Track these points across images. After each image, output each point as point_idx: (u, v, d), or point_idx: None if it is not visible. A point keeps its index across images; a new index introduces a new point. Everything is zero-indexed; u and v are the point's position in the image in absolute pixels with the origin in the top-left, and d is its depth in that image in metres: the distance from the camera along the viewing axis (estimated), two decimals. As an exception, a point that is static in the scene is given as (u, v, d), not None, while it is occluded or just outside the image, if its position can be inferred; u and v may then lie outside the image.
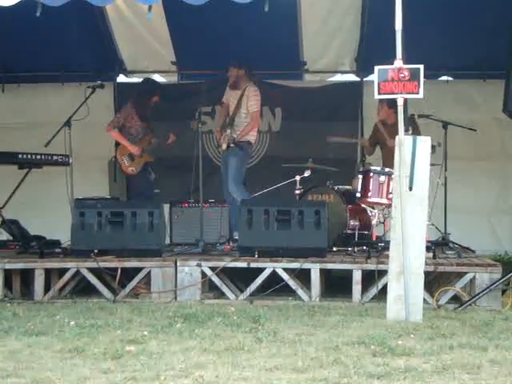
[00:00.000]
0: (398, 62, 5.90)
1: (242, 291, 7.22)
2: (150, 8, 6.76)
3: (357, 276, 6.89)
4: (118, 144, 8.88)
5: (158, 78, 10.37)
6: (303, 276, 7.14)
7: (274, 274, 7.05)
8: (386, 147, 8.50)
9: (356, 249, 7.65)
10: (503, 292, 6.81)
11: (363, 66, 9.75)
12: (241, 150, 8.41)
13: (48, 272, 7.25)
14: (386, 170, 7.80)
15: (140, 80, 9.74)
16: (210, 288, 7.30)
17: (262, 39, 9.14)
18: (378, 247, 7.45)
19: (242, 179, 8.49)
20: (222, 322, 5.73)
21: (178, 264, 7.13)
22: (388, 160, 7.75)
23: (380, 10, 6.93)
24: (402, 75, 5.91)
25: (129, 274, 7.29)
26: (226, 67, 8.57)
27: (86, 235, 7.34)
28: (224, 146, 8.46)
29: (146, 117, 8.76)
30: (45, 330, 5.44)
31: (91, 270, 7.18)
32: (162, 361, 4.50)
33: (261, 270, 7.07)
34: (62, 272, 7.28)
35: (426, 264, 6.24)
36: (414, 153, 5.97)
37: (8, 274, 7.28)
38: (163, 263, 7.17)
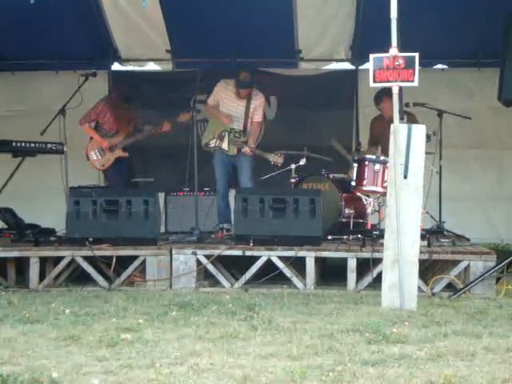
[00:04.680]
0: (393, 50, 5.89)
1: (237, 279, 7.23)
2: (144, -4, 6.75)
3: (352, 264, 6.90)
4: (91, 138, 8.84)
5: (152, 66, 10.37)
6: (298, 264, 7.15)
7: (269, 262, 7.06)
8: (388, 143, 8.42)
9: (351, 237, 7.66)
10: (497, 280, 6.83)
11: (358, 55, 9.74)
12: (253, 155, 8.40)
13: (43, 260, 7.25)
14: (381, 158, 7.80)
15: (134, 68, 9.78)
16: (205, 276, 7.30)
17: (257, 27, 9.12)
18: (372, 235, 7.46)
19: None
20: (217, 310, 5.74)
21: (173, 252, 7.13)
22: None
23: (375, -3, 6.91)
24: (397, 63, 5.90)
25: (124, 262, 7.29)
26: (239, 72, 8.23)
27: (81, 224, 7.33)
28: (234, 150, 8.33)
29: (120, 112, 8.72)
30: (40, 317, 5.43)
31: (86, 258, 7.18)
32: (157, 348, 4.51)
33: (256, 259, 7.07)
34: (57, 260, 7.29)
35: (421, 252, 6.25)
36: (409, 141, 5.97)
37: (3, 262, 7.29)
38: (158, 251, 7.17)
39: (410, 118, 7.88)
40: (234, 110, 8.37)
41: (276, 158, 8.12)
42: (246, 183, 8.32)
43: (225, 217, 8.44)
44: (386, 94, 8.00)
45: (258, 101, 8.41)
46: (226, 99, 8.36)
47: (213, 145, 8.36)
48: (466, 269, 6.84)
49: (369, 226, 7.80)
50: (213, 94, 8.41)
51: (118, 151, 8.69)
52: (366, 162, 7.81)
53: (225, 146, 8.34)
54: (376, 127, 8.67)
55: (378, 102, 8.55)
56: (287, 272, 7.01)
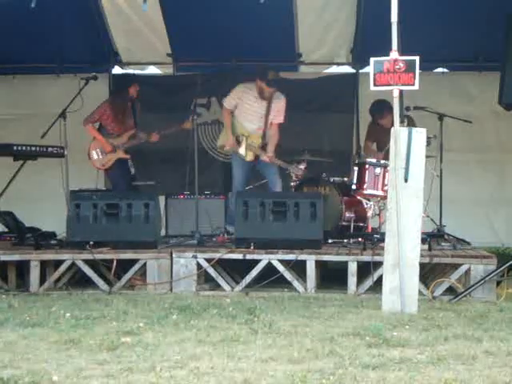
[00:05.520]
0: (394, 54, 5.90)
1: (237, 283, 7.23)
2: (145, -1, 6.78)
3: (352, 268, 6.90)
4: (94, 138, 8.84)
5: (153, 69, 10.38)
6: (299, 268, 7.15)
7: (269, 265, 7.05)
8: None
9: (351, 240, 7.67)
10: (498, 283, 6.82)
11: (359, 58, 9.75)
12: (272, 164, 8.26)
13: (43, 264, 7.24)
14: (382, 161, 7.81)
15: (135, 72, 9.78)
16: (205, 280, 7.30)
17: (257, 31, 9.13)
18: (373, 239, 7.45)
19: None
20: (218, 313, 5.74)
21: (173, 256, 7.13)
22: None
23: (376, 1, 6.92)
24: (398, 67, 5.91)
25: (124, 265, 7.29)
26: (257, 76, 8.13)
27: (82, 227, 7.32)
28: (251, 156, 8.23)
29: (124, 113, 8.70)
30: (40, 321, 5.43)
31: (87, 261, 7.17)
32: (157, 352, 4.51)
33: (256, 262, 7.07)
34: (57, 264, 7.27)
35: (422, 256, 6.25)
36: (409, 144, 5.97)
37: (3, 265, 7.28)
38: (159, 255, 7.16)
39: (408, 120, 7.88)
40: (254, 112, 8.28)
41: (296, 170, 8.06)
42: (276, 182, 8.22)
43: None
44: (386, 108, 7.97)
45: (280, 103, 8.30)
46: (246, 103, 8.24)
47: (229, 147, 8.32)
48: (467, 272, 6.84)
49: (369, 230, 7.80)
50: (230, 97, 8.28)
51: (120, 152, 8.67)
52: (367, 166, 7.82)
53: (242, 151, 8.26)
54: (373, 133, 8.68)
55: (378, 117, 8.52)
56: (288, 275, 7.01)
